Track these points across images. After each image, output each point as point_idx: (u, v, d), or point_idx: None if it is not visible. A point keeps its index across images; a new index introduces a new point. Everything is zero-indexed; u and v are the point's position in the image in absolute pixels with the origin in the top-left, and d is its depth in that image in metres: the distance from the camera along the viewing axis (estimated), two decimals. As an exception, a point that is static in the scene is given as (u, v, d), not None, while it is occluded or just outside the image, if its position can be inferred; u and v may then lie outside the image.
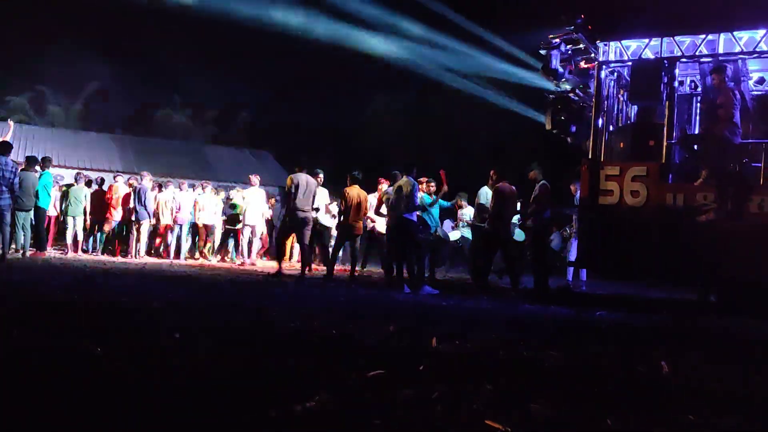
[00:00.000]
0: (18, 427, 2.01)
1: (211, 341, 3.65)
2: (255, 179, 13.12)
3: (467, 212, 11.34)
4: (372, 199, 10.44)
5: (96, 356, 3.04)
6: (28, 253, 10.76)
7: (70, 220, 12.50)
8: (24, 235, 10.82)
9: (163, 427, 2.10)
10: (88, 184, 13.32)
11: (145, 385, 2.59)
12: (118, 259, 12.31)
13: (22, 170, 10.83)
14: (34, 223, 11.33)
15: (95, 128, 27.88)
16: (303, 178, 9.20)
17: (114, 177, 14.16)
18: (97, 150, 24.28)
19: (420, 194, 9.23)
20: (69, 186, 12.96)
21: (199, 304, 5.63)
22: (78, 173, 13.54)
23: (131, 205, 12.60)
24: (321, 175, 10.74)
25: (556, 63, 9.15)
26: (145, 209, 12.45)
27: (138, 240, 12.67)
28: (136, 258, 12.35)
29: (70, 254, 12.29)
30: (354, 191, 9.69)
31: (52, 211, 12.76)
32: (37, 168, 11.30)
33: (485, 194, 9.69)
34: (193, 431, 2.08)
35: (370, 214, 10.53)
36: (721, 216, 7.30)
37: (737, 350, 4.52)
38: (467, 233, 11.29)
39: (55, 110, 33.49)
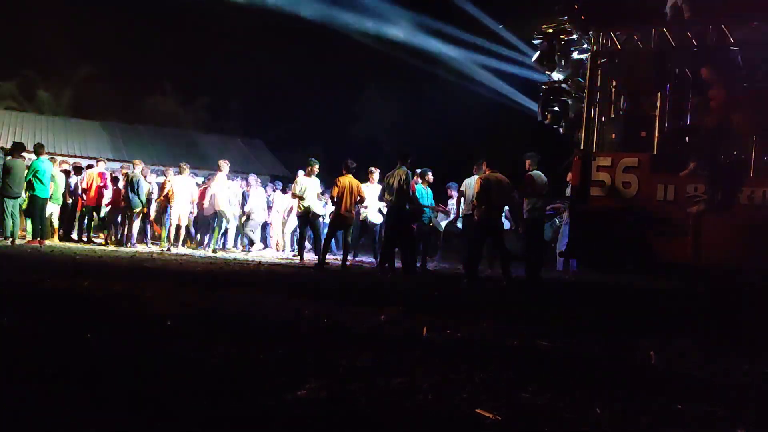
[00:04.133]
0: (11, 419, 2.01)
1: (201, 330, 3.65)
2: (224, 165, 12.42)
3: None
4: (365, 189, 10.40)
5: (86, 344, 3.04)
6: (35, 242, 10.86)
7: (50, 206, 12.32)
8: (13, 223, 10.73)
9: (155, 413, 2.09)
10: (67, 173, 13.09)
11: (135, 372, 2.58)
12: (107, 246, 12.24)
13: (10, 157, 10.72)
14: (32, 213, 11.27)
15: (85, 115, 27.55)
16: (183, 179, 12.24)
17: (97, 162, 13.76)
18: (87, 137, 24.01)
19: (414, 184, 9.22)
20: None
21: (189, 292, 5.61)
22: (51, 158, 13.19)
23: (124, 192, 12.46)
24: (317, 166, 10.82)
25: (549, 53, 9.13)
26: (138, 197, 12.37)
27: (130, 228, 12.60)
28: (126, 246, 12.30)
29: (56, 242, 12.21)
30: (347, 180, 9.66)
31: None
32: (24, 155, 11.17)
33: (471, 184, 9.68)
34: (184, 418, 2.08)
35: (367, 203, 10.53)
36: (712, 207, 7.33)
37: (725, 339, 4.56)
38: (458, 221, 11.25)
39: (44, 96, 33.07)
